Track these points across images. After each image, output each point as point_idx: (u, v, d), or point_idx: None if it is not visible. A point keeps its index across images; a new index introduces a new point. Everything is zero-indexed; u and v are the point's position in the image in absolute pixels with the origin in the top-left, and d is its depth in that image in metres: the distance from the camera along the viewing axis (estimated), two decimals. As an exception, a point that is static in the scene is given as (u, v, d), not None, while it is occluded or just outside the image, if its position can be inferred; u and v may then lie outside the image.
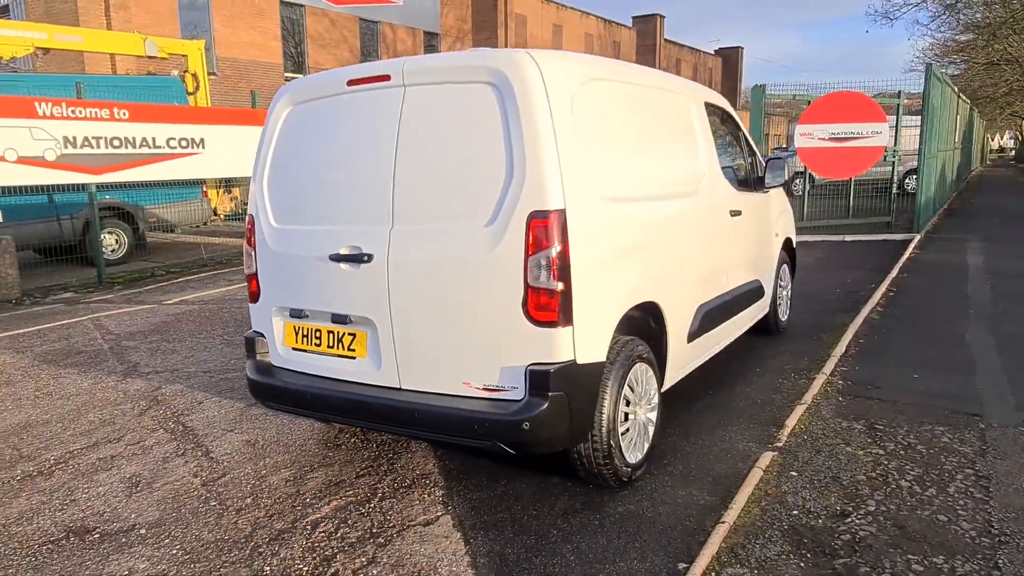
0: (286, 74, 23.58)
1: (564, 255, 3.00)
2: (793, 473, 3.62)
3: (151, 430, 4.54)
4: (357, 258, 3.37)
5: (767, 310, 5.80)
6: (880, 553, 2.92)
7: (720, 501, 3.39)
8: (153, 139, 10.49)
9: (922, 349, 5.61)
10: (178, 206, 12.27)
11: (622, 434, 3.43)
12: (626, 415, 3.48)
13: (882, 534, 3.06)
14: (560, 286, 2.99)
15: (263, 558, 3.07)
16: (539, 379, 3.02)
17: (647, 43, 43.62)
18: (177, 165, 10.86)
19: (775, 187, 5.54)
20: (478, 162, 3.09)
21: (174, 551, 3.15)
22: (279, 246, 3.71)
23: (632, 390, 3.51)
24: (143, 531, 3.33)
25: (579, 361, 3.09)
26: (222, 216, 14.05)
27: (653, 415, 3.74)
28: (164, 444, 4.31)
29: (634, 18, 44.23)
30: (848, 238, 11.82)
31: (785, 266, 6.24)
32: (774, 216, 5.78)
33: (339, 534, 3.24)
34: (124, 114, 10.10)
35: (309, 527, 3.31)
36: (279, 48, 23.48)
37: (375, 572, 2.95)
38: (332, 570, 2.97)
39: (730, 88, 52.24)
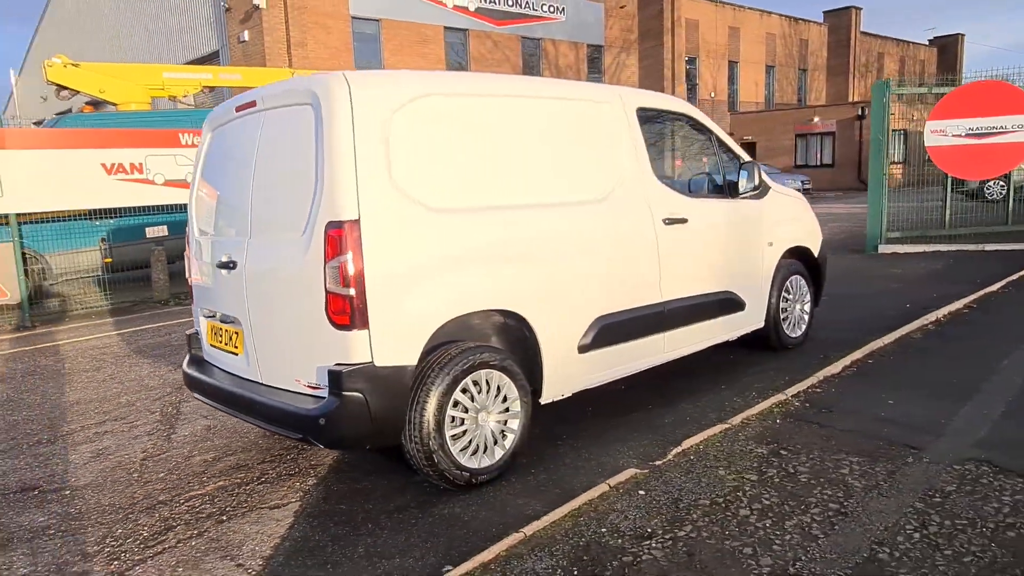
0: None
1: (357, 262, 3.19)
2: (641, 492, 3.47)
3: (150, 412, 5.31)
4: (229, 265, 3.80)
5: (758, 324, 5.42)
6: (640, 578, 2.78)
7: (545, 512, 3.36)
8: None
9: (939, 373, 4.94)
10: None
11: (454, 438, 3.52)
12: (462, 420, 3.56)
13: (665, 560, 2.89)
14: (352, 292, 3.19)
15: (125, 522, 3.58)
16: (334, 379, 3.24)
17: (840, 38, 40.42)
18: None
19: (750, 194, 5.18)
20: (300, 177, 3.38)
21: (72, 510, 3.76)
22: (197, 254, 4.25)
23: (472, 397, 3.58)
24: (67, 492, 3.99)
25: (378, 364, 3.26)
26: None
27: (515, 423, 3.77)
28: (148, 425, 5.03)
29: (825, 13, 41.22)
30: (988, 247, 10.35)
31: (797, 278, 5.76)
32: (767, 224, 5.38)
33: (199, 509, 3.67)
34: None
35: (183, 501, 3.78)
36: (443, 70, 24.98)
37: (194, 543, 3.33)
38: (165, 538, 3.39)
39: (950, 81, 46.69)
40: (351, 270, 3.19)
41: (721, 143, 5.23)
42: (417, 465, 3.51)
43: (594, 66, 29.72)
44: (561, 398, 4.19)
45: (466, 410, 3.57)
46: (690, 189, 5.13)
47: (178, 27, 25.05)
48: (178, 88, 13.12)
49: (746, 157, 5.34)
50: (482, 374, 3.61)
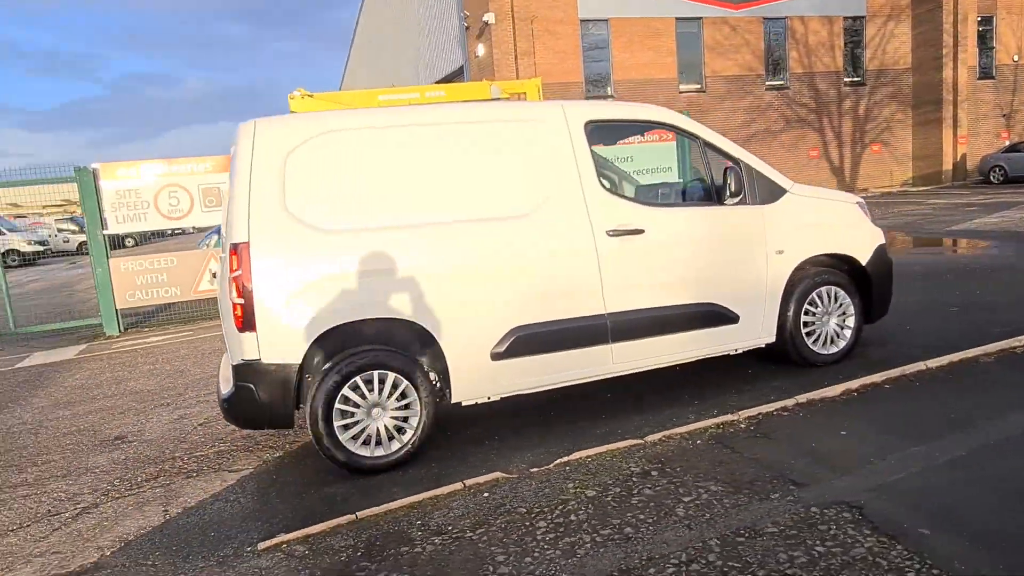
0: (680, 86, 24.65)
1: (245, 277, 3.90)
2: (485, 494, 3.70)
3: (184, 399, 6.46)
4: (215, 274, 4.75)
5: (765, 339, 5.06)
6: (351, 563, 3.11)
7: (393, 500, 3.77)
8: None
9: (949, 407, 4.23)
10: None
11: (345, 427, 4.07)
12: (353, 413, 4.08)
13: (430, 554, 3.17)
14: (241, 301, 3.91)
15: (71, 478, 4.70)
16: (233, 371, 3.99)
17: None
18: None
19: (737, 200, 4.85)
20: (231, 204, 4.16)
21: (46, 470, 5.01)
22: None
23: (364, 395, 4.08)
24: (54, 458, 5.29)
25: (264, 360, 3.94)
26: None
27: (414, 420, 4.19)
28: (166, 410, 6.15)
29: None
30: None
31: (832, 290, 5.20)
32: (776, 231, 4.98)
33: (207, 459, 4.68)
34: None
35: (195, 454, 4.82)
36: (674, 62, 24.64)
37: (156, 492, 4.32)
38: (135, 491, 4.44)
39: None
40: (242, 283, 3.90)
41: (710, 147, 4.97)
42: (315, 447, 4.13)
43: (853, 40, 26.89)
44: (485, 400, 4.49)
45: (357, 405, 4.09)
46: (658, 198, 4.98)
47: (430, 48, 27.96)
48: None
49: (747, 160, 5.01)
50: (375, 374, 4.10)
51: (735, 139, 25.53)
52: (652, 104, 5.07)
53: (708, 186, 4.98)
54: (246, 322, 3.93)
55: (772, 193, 5.04)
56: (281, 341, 3.97)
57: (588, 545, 3.10)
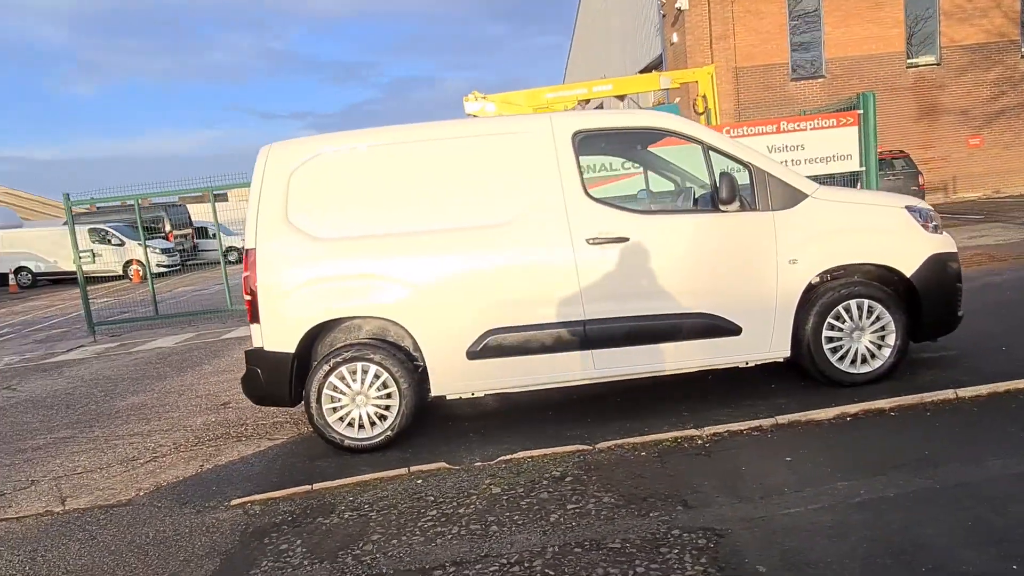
0: (909, 61, 22.08)
1: (252, 278, 4.64)
2: (418, 481, 4.09)
3: None
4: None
5: (778, 353, 4.77)
6: (276, 525, 3.64)
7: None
8: (610, 164, 13.12)
9: (932, 444, 3.76)
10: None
11: (333, 410, 4.67)
12: (339, 398, 4.67)
13: (333, 526, 3.65)
14: (249, 297, 4.66)
15: (169, 432, 5.73)
16: (246, 356, 4.76)
17: None
18: (620, 186, 13.19)
19: (735, 208, 4.60)
20: (248, 215, 4.91)
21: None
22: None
23: (349, 384, 4.65)
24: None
25: (266, 348, 4.66)
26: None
27: (394, 409, 4.68)
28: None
29: None
30: None
31: (864, 303, 4.73)
32: (790, 239, 4.67)
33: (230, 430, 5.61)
34: (586, 147, 13.06)
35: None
36: (900, 35, 22.10)
37: (208, 450, 5.27)
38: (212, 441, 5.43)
39: None
40: (250, 283, 4.65)
41: (716, 151, 4.78)
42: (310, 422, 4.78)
43: None
44: (469, 395, 4.84)
45: (343, 392, 4.67)
46: (650, 205, 4.88)
47: (633, 37, 27.76)
48: (559, 105, 15.37)
49: (759, 164, 4.74)
50: (359, 366, 4.65)
51: (979, 116, 22.27)
52: (648, 110, 5.00)
53: (709, 192, 4.82)
54: (253, 315, 4.68)
55: (788, 198, 4.73)
56: (279, 333, 4.67)
57: (449, 536, 3.37)
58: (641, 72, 25.18)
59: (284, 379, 4.72)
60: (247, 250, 4.70)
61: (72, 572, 3.57)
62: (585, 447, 4.26)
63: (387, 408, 4.71)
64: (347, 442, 4.70)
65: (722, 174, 4.60)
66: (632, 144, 5.19)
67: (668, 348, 4.74)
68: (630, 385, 5.25)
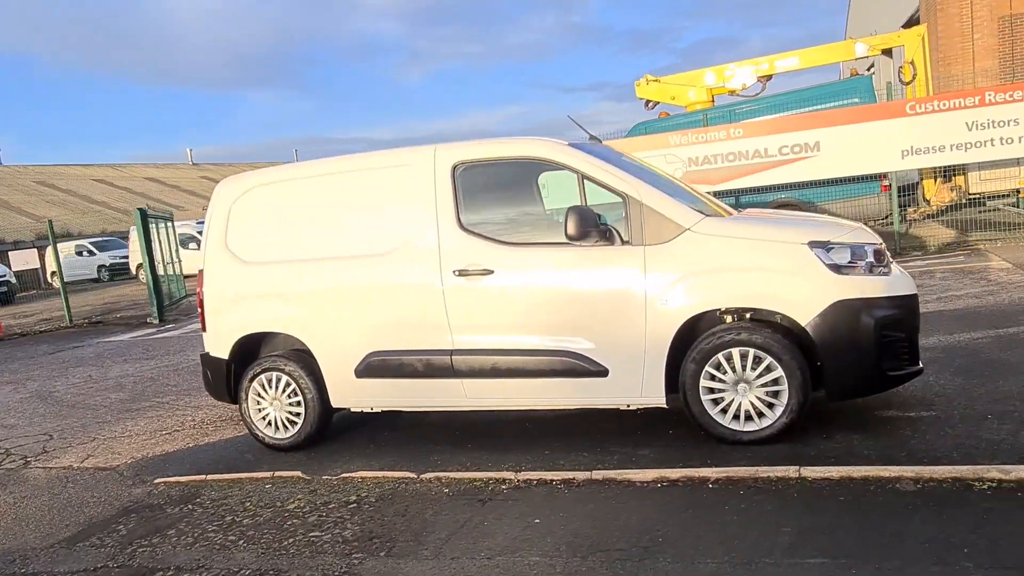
0: None
1: (200, 293, 5.51)
2: (267, 486, 4.63)
3: None
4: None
5: (650, 399, 4.41)
6: (157, 506, 4.43)
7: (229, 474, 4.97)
8: (765, 150, 11.99)
9: (701, 529, 3.30)
10: (854, 201, 12.79)
11: (259, 411, 5.39)
12: (260, 403, 5.36)
13: (164, 520, 4.39)
14: (200, 310, 5.54)
15: (201, 410, 6.84)
16: (200, 358, 5.67)
17: None
18: (788, 170, 11.93)
19: (591, 243, 4.27)
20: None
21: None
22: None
23: (266, 390, 5.32)
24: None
25: (211, 354, 5.52)
26: (933, 207, 13.19)
27: (299, 416, 5.25)
28: None
29: None
30: None
31: (750, 352, 4.14)
32: (662, 278, 4.25)
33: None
34: (738, 132, 12.09)
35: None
36: None
37: (211, 430, 6.34)
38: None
39: None
40: (200, 297, 5.53)
41: (591, 180, 4.47)
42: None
43: None
44: (368, 410, 5.22)
45: (263, 396, 5.35)
46: (520, 237, 4.68)
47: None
48: (736, 82, 14.25)
49: (636, 194, 4.34)
50: (273, 375, 5.29)
51: None
52: (532, 136, 4.77)
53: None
54: (203, 325, 5.55)
55: (663, 232, 4.30)
56: (217, 341, 5.48)
57: (204, 542, 3.89)
58: (905, 26, 21.90)
59: (223, 380, 5.54)
60: (200, 269, 5.57)
61: (17, 517, 4.75)
62: (411, 475, 4.43)
63: (297, 415, 5.29)
64: (267, 440, 5.40)
65: (570, 208, 4.34)
66: (522, 174, 4.92)
67: (536, 384, 4.64)
68: (562, 413, 5.16)
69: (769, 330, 4.17)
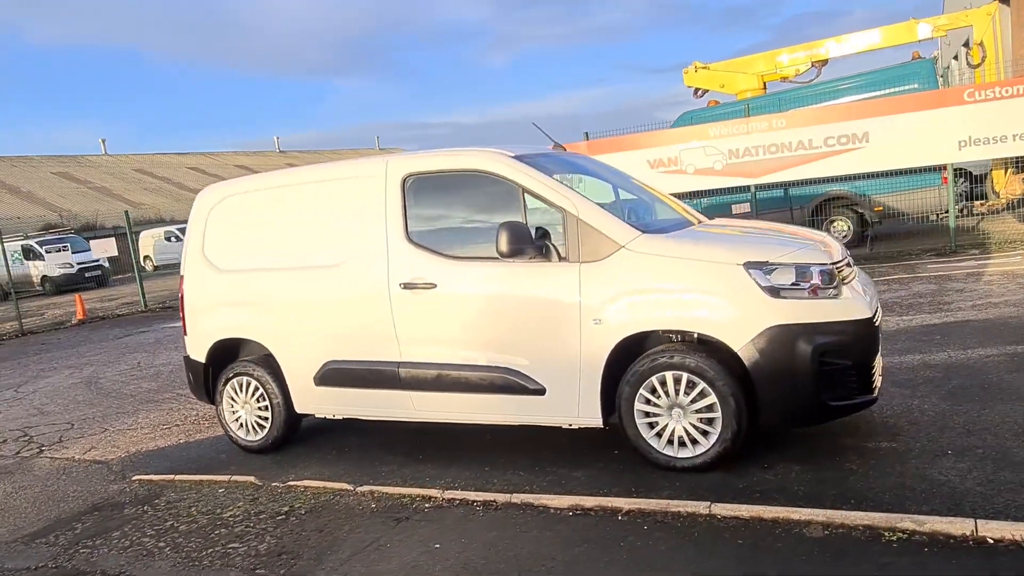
0: None
1: (182, 299, 5.72)
2: (220, 490, 4.79)
3: None
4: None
5: (586, 420, 4.29)
6: (117, 503, 4.67)
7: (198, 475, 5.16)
8: (809, 141, 11.38)
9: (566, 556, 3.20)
10: (911, 194, 12.01)
11: (231, 414, 5.57)
12: (234, 407, 5.53)
13: (116, 514, 4.61)
14: (181, 315, 5.76)
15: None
16: (184, 359, 5.90)
17: None
18: (834, 162, 11.29)
19: (528, 258, 4.17)
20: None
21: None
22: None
23: (238, 394, 5.49)
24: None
25: (191, 356, 5.73)
26: (1003, 200, 12.21)
27: (267, 420, 5.39)
28: None
29: None
30: None
31: (684, 377, 3.96)
32: (596, 296, 4.11)
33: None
34: (781, 123, 11.53)
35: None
36: None
37: (205, 427, 6.60)
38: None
39: None
40: (181, 303, 5.74)
41: (531, 194, 4.35)
42: (224, 426, 5.74)
43: None
44: (331, 417, 5.30)
45: (235, 399, 5.52)
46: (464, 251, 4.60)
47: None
48: (790, 69, 13.53)
49: (574, 209, 4.21)
50: (243, 379, 5.45)
51: None
52: (479, 148, 4.65)
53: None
54: (185, 329, 5.77)
55: (599, 249, 4.15)
56: (195, 345, 5.68)
57: (126, 548, 4.06)
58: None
59: (201, 382, 5.75)
60: (181, 275, 5.78)
61: (3, 508, 5.10)
62: (348, 487, 4.48)
63: (265, 419, 5.44)
64: (240, 442, 5.58)
65: (502, 224, 4.24)
66: (469, 186, 4.78)
67: (478, 400, 4.60)
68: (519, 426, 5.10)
69: (704, 354, 3.97)
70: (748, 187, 12.18)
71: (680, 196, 12.88)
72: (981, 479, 3.54)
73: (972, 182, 13.37)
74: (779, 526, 3.28)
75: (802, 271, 3.91)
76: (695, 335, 4.03)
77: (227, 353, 5.63)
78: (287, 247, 5.23)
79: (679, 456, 4.08)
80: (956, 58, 12.71)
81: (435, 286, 4.58)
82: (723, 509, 3.46)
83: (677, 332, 4.09)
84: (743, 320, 3.85)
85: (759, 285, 3.84)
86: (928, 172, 11.38)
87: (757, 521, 3.34)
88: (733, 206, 13.00)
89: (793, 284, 3.89)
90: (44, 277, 26.05)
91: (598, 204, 4.30)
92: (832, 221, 12.58)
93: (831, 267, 3.98)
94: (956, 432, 4.18)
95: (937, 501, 3.36)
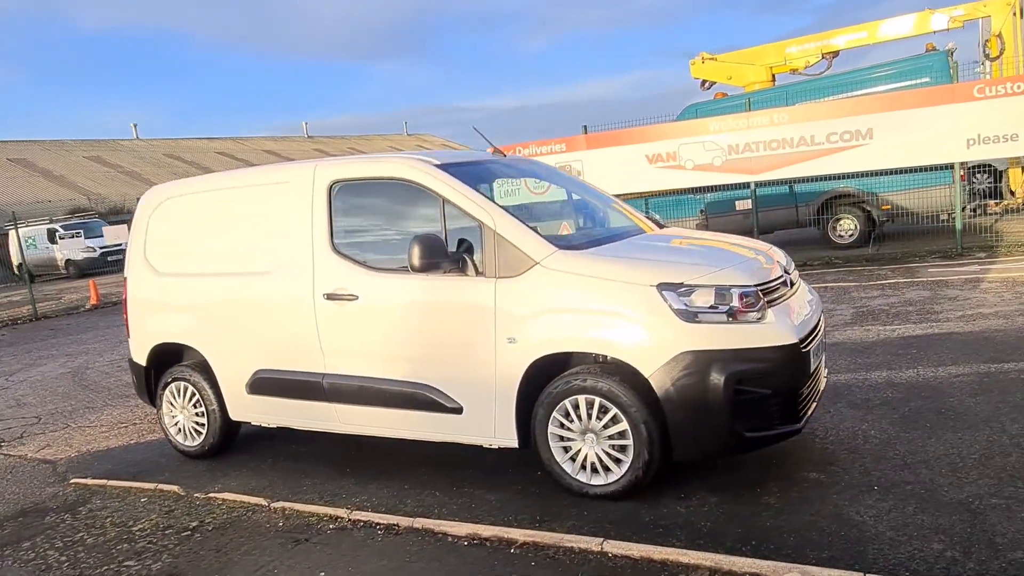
0: None
1: (125, 300, 5.66)
2: (144, 499, 4.73)
3: None
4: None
5: (503, 440, 4.12)
6: (48, 508, 4.64)
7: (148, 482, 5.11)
8: (812, 137, 10.98)
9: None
10: (921, 192, 11.54)
11: (171, 418, 5.51)
12: (172, 413, 5.47)
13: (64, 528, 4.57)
14: (124, 316, 5.70)
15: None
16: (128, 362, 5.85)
17: None
18: (837, 159, 10.88)
19: (445, 271, 4.01)
20: (131, 247, 5.89)
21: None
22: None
23: (176, 399, 5.43)
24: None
25: (134, 359, 5.68)
26: (1019, 200, 11.67)
27: (204, 426, 5.32)
28: None
29: None
30: None
31: (596, 402, 3.77)
32: (504, 315, 3.94)
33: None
34: (783, 118, 11.13)
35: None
36: None
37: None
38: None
39: None
40: (124, 305, 5.69)
41: (451, 205, 4.17)
42: (168, 433, 5.69)
43: None
44: (264, 425, 5.21)
45: (174, 404, 5.46)
46: (385, 262, 4.43)
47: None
48: (799, 60, 13.05)
49: (492, 222, 4.02)
50: (181, 385, 5.39)
51: None
52: (403, 155, 4.47)
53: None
54: (127, 331, 5.72)
55: (515, 264, 3.96)
56: (137, 348, 5.62)
57: (33, 559, 4.01)
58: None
59: (143, 386, 5.70)
60: (124, 277, 5.72)
61: (-65, 510, 5.12)
62: (264, 502, 4.38)
63: (202, 424, 5.37)
64: (179, 447, 5.52)
65: (415, 237, 4.06)
66: (393, 195, 4.57)
67: (398, 415, 4.45)
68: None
69: (618, 379, 3.76)
70: (749, 184, 11.82)
71: (680, 193, 12.69)
72: (897, 522, 3.30)
73: (996, 179, 12.82)
74: (667, 569, 3.09)
75: (721, 293, 3.68)
76: (608, 358, 3.84)
77: (170, 356, 5.56)
78: (222, 252, 5.13)
79: (592, 483, 3.90)
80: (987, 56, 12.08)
81: (357, 297, 4.44)
82: (615, 547, 3.27)
83: (595, 354, 3.89)
84: (654, 344, 3.64)
85: (672, 308, 3.62)
86: (940, 169, 10.89)
87: (646, 562, 3.15)
88: (737, 202, 12.66)
89: (711, 307, 3.66)
90: (68, 260, 26.57)
91: (517, 218, 4.10)
92: (838, 219, 12.17)
93: (754, 289, 3.74)
94: (892, 464, 3.92)
95: (839, 547, 3.13)
